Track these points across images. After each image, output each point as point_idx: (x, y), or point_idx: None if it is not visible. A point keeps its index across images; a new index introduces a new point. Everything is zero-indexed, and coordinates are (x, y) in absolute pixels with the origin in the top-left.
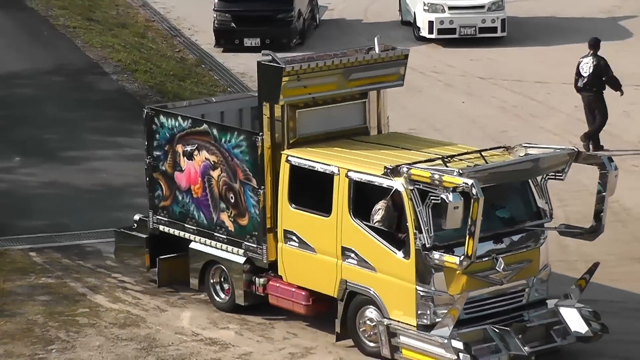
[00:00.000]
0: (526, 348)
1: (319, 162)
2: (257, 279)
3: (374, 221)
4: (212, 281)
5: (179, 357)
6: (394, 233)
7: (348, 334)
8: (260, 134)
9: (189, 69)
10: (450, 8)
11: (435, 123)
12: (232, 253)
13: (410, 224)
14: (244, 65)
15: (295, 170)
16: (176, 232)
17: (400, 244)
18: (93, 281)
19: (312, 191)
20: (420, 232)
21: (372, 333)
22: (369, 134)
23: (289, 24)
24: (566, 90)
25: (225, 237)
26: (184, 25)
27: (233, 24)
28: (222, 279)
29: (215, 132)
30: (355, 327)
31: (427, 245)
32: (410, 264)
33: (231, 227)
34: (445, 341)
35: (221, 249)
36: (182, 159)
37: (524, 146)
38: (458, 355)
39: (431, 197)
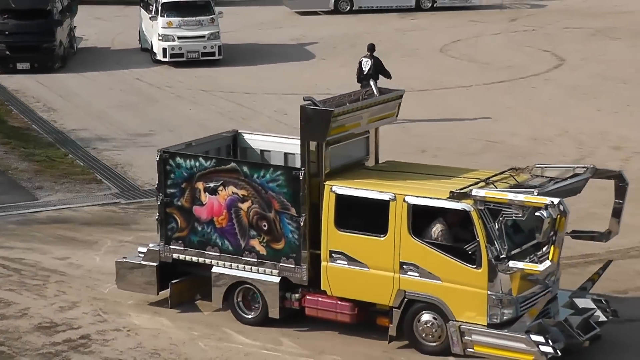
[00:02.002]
0: (581, 336)
1: (373, 191)
2: (291, 294)
3: (438, 238)
4: (237, 300)
5: None
6: (459, 247)
7: (403, 336)
8: (302, 168)
9: None
10: (179, 38)
11: (169, 126)
12: (265, 274)
13: (481, 238)
14: (17, 84)
15: (341, 199)
16: (194, 259)
17: (468, 256)
18: None
19: (362, 216)
20: (492, 244)
21: (430, 334)
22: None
23: (53, 52)
24: (267, 99)
25: (255, 260)
26: None
27: (7, 52)
28: (246, 298)
29: (245, 169)
30: (412, 330)
31: (501, 256)
32: (482, 273)
33: (263, 251)
34: (525, 336)
35: (251, 271)
36: (202, 194)
37: (539, 166)
38: (538, 347)
39: (504, 215)
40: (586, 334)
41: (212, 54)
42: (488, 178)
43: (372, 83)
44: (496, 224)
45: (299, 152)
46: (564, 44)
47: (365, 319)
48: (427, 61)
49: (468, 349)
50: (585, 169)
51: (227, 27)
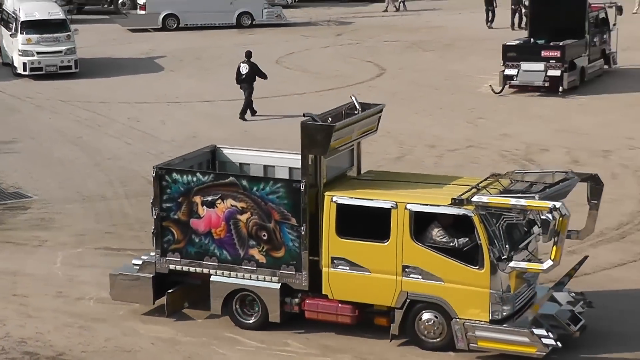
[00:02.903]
0: (572, 327)
1: (374, 200)
2: (291, 299)
3: (437, 241)
4: (236, 307)
5: None
6: (461, 249)
7: (404, 334)
8: (303, 180)
9: None
10: (38, 53)
11: (30, 134)
12: (265, 281)
13: (483, 241)
14: None
15: (342, 208)
16: (192, 269)
17: (470, 258)
18: None
19: (363, 223)
20: (494, 246)
21: (432, 331)
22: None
23: None
24: (121, 107)
25: (255, 268)
26: None
27: None
28: (244, 304)
29: (245, 182)
30: (414, 328)
31: (503, 257)
32: (485, 273)
33: (262, 260)
34: (528, 330)
35: (250, 279)
36: (200, 207)
37: (518, 172)
38: (541, 340)
39: (505, 219)
40: (575, 325)
41: (69, 67)
42: (478, 184)
43: (353, 98)
44: (496, 227)
45: (279, 165)
46: (384, 55)
47: (362, 320)
48: (266, 71)
49: (472, 344)
50: (565, 173)
51: (83, 43)
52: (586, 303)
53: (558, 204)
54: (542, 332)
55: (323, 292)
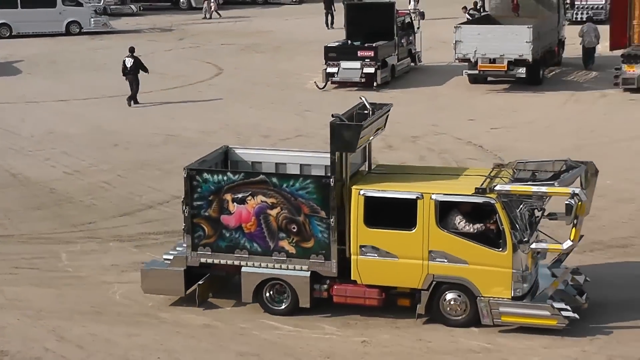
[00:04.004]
0: (580, 299)
1: (400, 192)
2: (320, 286)
3: (464, 228)
4: (266, 295)
5: None
6: (484, 234)
7: (428, 313)
8: (333, 176)
9: None
10: None
11: None
12: (295, 270)
13: (505, 226)
14: None
15: (370, 200)
16: (222, 261)
17: (493, 241)
18: None
19: (390, 213)
20: (516, 230)
21: (456, 309)
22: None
23: None
24: (26, 108)
25: (285, 258)
26: None
27: None
28: (273, 292)
29: (275, 180)
30: (439, 307)
31: (524, 240)
32: (507, 255)
33: (292, 251)
34: (549, 304)
35: (280, 268)
36: (230, 204)
37: (521, 162)
38: (561, 313)
39: (525, 205)
40: (582, 297)
41: None
42: (489, 174)
43: (363, 99)
44: (517, 212)
45: (290, 162)
46: (222, 57)
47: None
48: (111, 73)
49: (496, 320)
50: (564, 162)
51: None
52: (583, 277)
53: (577, 190)
54: (562, 305)
55: (352, 278)
